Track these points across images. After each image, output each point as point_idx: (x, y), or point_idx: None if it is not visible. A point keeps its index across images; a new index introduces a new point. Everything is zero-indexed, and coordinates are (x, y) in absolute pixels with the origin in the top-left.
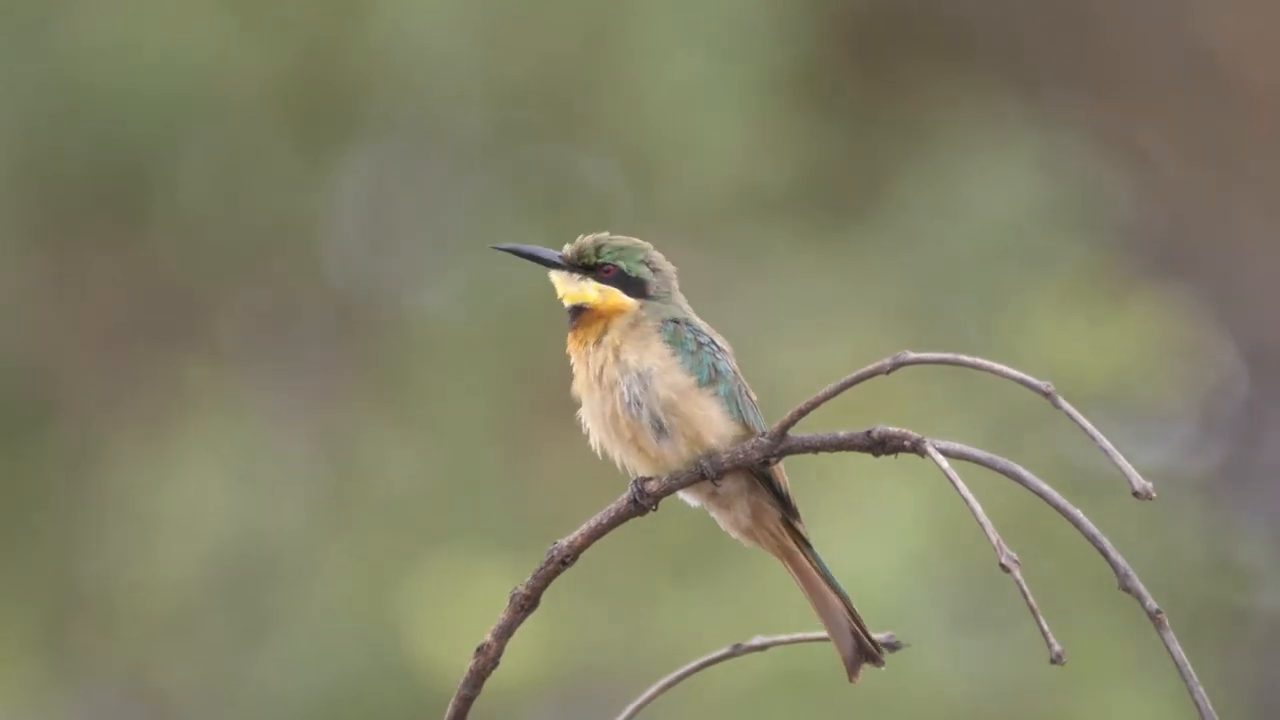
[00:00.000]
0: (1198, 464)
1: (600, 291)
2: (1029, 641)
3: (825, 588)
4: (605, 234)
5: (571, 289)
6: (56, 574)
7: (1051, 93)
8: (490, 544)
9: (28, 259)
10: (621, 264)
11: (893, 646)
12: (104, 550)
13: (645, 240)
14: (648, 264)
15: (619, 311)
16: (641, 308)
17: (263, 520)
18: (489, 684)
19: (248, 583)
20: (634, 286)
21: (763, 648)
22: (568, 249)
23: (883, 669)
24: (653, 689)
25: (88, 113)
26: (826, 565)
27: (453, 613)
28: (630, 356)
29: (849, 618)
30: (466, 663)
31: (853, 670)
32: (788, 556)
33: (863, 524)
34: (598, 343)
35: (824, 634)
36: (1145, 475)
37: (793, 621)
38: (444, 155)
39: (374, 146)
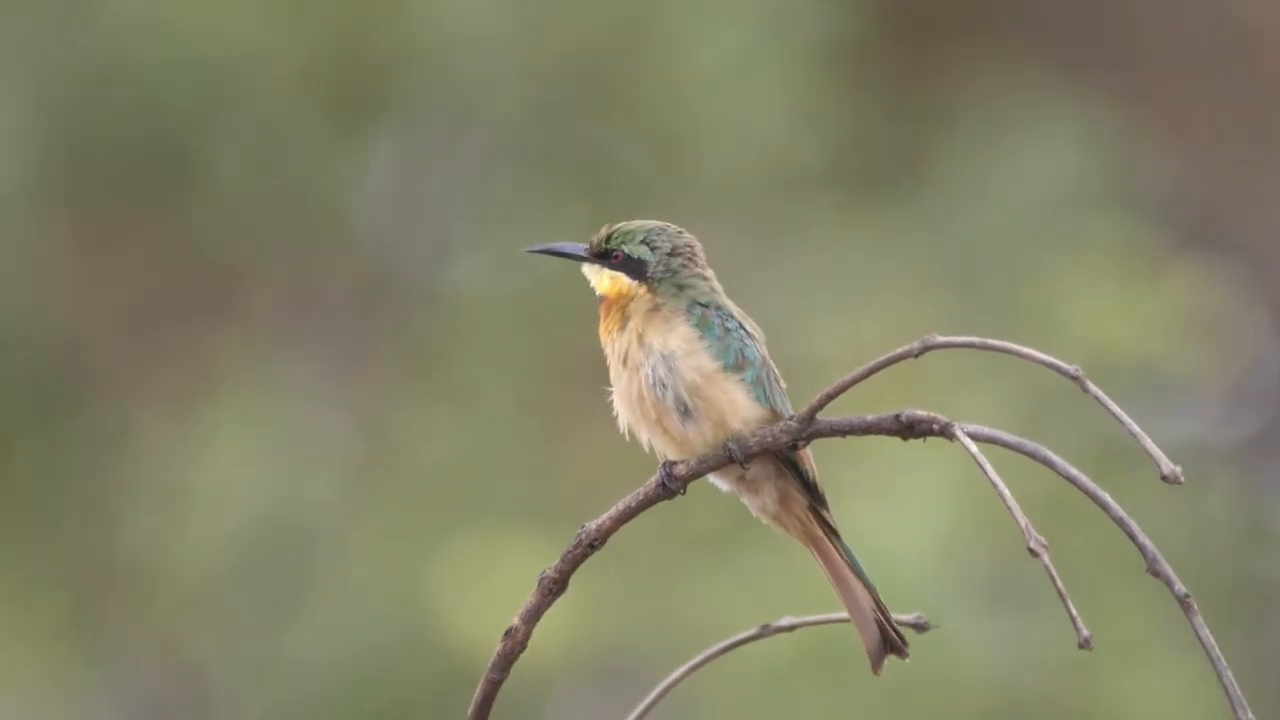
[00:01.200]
0: (1230, 436)
1: (612, 279)
2: (1056, 623)
3: (851, 577)
4: (623, 222)
5: (594, 279)
6: (88, 551)
7: (1088, 68)
8: (520, 520)
9: (59, 235)
10: (625, 247)
11: (921, 627)
12: (136, 527)
13: (669, 218)
14: (646, 243)
15: (626, 295)
16: (651, 290)
17: (294, 496)
18: (516, 662)
19: (279, 559)
20: (635, 268)
21: (791, 628)
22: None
23: (907, 660)
24: (681, 670)
25: (121, 88)
26: (854, 554)
27: (483, 589)
28: (655, 340)
29: (874, 608)
30: (495, 639)
31: (876, 662)
32: (814, 543)
33: (891, 505)
34: (621, 329)
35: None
36: (1178, 448)
37: (820, 603)
38: (478, 132)
39: (408, 123)
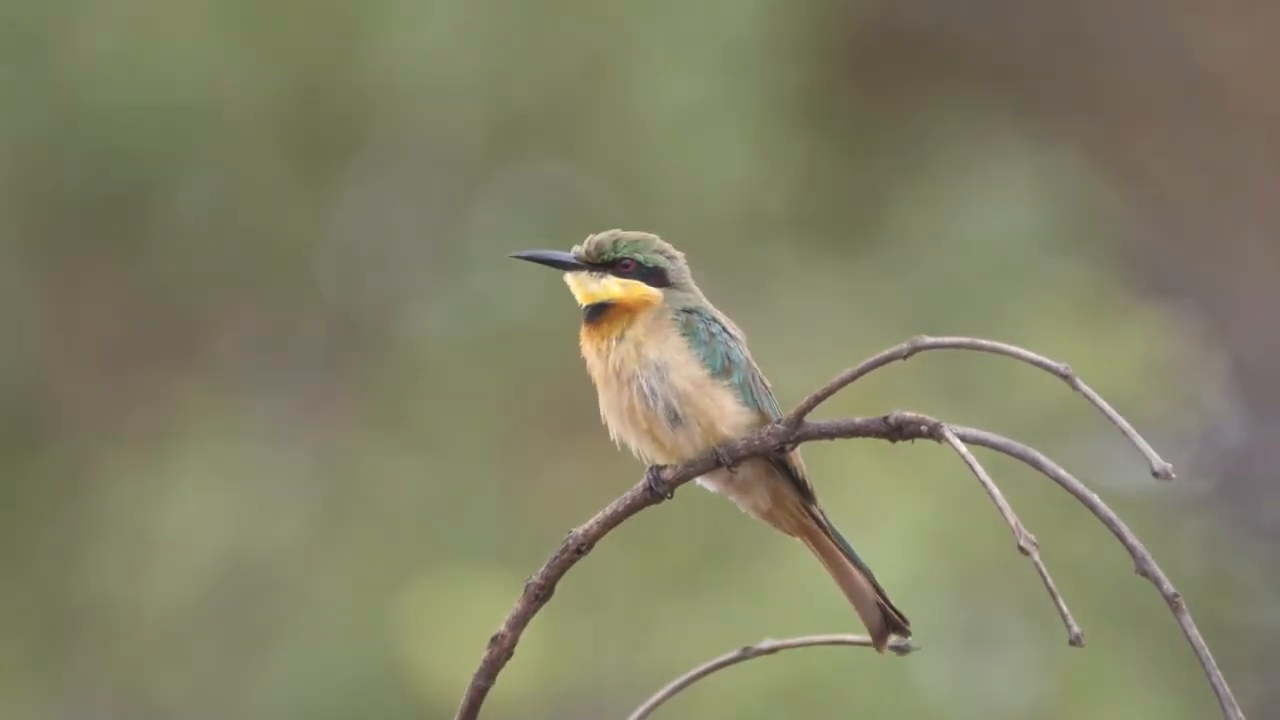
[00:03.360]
0: (1195, 482)
1: (624, 286)
2: (1030, 658)
3: (848, 563)
4: (616, 230)
5: (594, 287)
6: (53, 591)
7: (1049, 113)
8: (487, 560)
9: (24, 277)
10: (638, 256)
11: (903, 650)
12: (100, 568)
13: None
14: (662, 253)
15: (645, 304)
16: (665, 298)
17: (259, 538)
18: (485, 701)
19: (244, 600)
20: (654, 276)
21: (772, 650)
22: (579, 249)
23: (910, 639)
24: (662, 691)
25: (85, 131)
26: (848, 541)
27: (450, 628)
28: (650, 351)
29: (874, 590)
30: (465, 679)
31: (880, 641)
32: (809, 535)
33: (866, 540)
34: (620, 337)
35: (833, 637)
36: (1144, 494)
37: (795, 636)
38: (443, 176)
39: (373, 166)
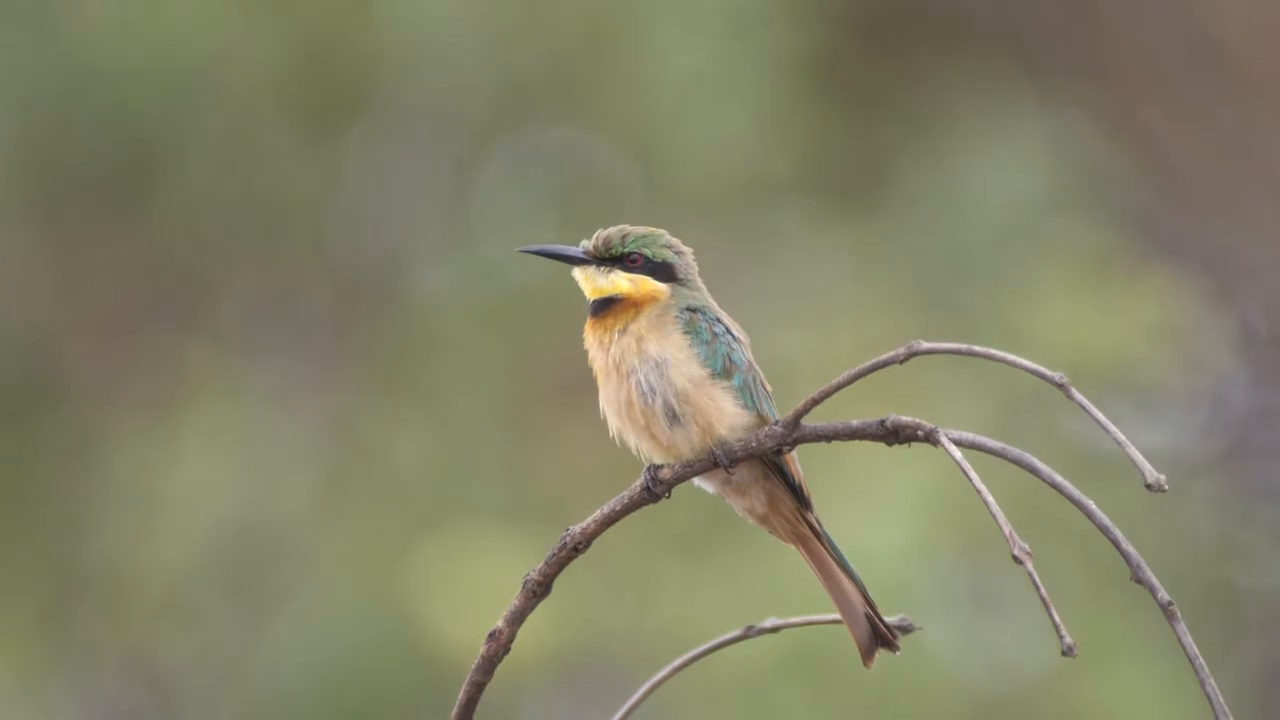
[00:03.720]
0: (1204, 445)
1: (631, 281)
2: (1035, 625)
3: (840, 573)
4: (624, 225)
5: (602, 282)
6: (60, 556)
7: (1057, 76)
8: (494, 522)
9: (31, 241)
10: (647, 251)
11: (905, 629)
12: (107, 532)
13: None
14: (670, 248)
15: (652, 299)
16: (672, 294)
17: (267, 501)
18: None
19: (252, 564)
20: (662, 271)
21: (775, 629)
22: (588, 244)
23: (897, 654)
24: (665, 671)
25: (92, 94)
26: (841, 551)
27: (458, 591)
28: (651, 346)
29: (863, 603)
30: (473, 639)
31: (867, 655)
32: (802, 542)
33: (869, 507)
34: (623, 330)
35: (836, 616)
36: (1154, 458)
37: (801, 603)
38: (449, 140)
39: (379, 129)
